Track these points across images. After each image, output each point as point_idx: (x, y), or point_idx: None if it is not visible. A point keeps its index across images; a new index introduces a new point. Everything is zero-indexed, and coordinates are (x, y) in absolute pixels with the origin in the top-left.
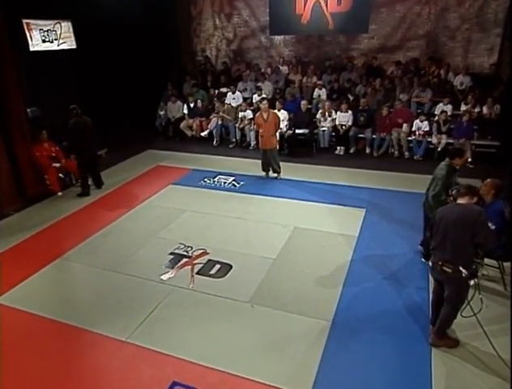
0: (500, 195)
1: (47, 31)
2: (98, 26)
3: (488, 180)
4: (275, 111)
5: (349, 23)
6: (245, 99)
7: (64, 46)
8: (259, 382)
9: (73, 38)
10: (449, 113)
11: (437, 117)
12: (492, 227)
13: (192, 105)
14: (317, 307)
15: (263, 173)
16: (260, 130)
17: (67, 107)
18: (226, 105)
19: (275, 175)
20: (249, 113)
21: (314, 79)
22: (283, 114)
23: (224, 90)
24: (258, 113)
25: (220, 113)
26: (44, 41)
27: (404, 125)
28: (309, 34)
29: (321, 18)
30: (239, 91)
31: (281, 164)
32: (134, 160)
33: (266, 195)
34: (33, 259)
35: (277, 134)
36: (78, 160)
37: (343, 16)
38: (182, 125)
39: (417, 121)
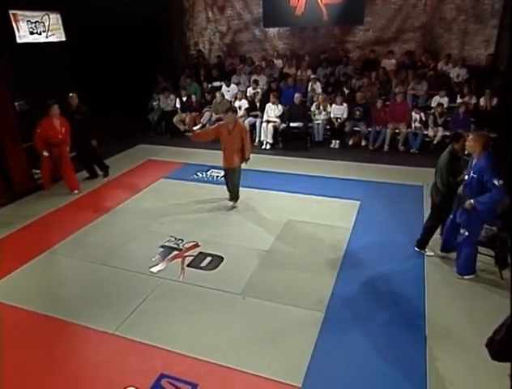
0: (487, 149)
1: (35, 22)
2: (88, 18)
3: (471, 136)
4: (242, 124)
5: (344, 14)
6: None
7: (53, 38)
8: (250, 374)
9: (62, 30)
10: (445, 106)
11: (433, 110)
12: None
13: (184, 99)
14: (311, 298)
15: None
16: (222, 144)
17: (56, 100)
18: (219, 99)
19: (231, 203)
20: (244, 103)
21: (309, 72)
22: (277, 108)
23: (217, 84)
24: (222, 122)
25: (211, 111)
26: (31, 33)
27: (402, 123)
28: (304, 26)
29: (315, 9)
30: (233, 83)
31: (276, 158)
32: (125, 155)
33: (259, 188)
34: (19, 253)
35: (246, 151)
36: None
37: (337, 8)
38: (175, 119)
39: (412, 113)
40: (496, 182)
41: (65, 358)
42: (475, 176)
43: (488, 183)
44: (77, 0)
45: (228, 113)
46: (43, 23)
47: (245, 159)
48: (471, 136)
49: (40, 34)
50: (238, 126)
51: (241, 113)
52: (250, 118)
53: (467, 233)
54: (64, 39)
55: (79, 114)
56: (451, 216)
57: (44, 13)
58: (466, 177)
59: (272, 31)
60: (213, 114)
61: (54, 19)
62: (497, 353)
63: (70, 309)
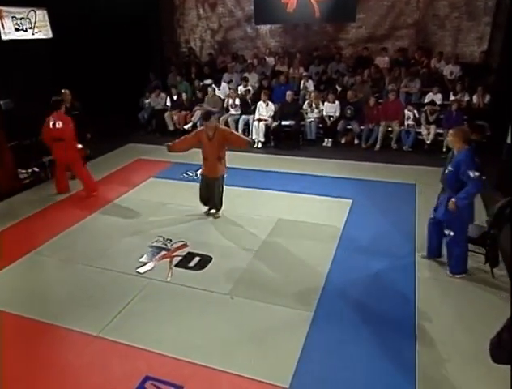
0: (468, 144)
1: (20, 19)
2: (77, 15)
3: (451, 131)
4: (224, 128)
5: (336, 11)
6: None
7: (39, 35)
8: (236, 375)
9: (49, 27)
10: (438, 103)
11: (425, 108)
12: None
13: (175, 98)
14: (300, 298)
15: (205, 208)
16: (203, 152)
17: (43, 99)
18: (209, 96)
19: (213, 211)
20: (236, 100)
21: (301, 70)
22: (269, 106)
23: (208, 82)
24: (202, 127)
25: (205, 105)
26: (17, 30)
27: (395, 121)
28: (295, 23)
29: (306, 6)
30: (224, 82)
31: (267, 156)
32: (114, 154)
33: (250, 187)
34: (3, 254)
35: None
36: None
37: (329, 4)
38: (167, 114)
39: (405, 110)
40: (471, 174)
41: (47, 362)
42: (451, 169)
43: (464, 176)
44: None
45: (210, 119)
46: (29, 19)
47: (248, 142)
48: (450, 131)
49: (26, 31)
50: (219, 132)
51: (232, 111)
52: (244, 116)
53: (452, 233)
54: (51, 36)
55: (76, 110)
56: (431, 216)
57: (30, 9)
58: (446, 171)
59: (264, 28)
60: None
61: (41, 16)
62: (498, 356)
63: (54, 312)
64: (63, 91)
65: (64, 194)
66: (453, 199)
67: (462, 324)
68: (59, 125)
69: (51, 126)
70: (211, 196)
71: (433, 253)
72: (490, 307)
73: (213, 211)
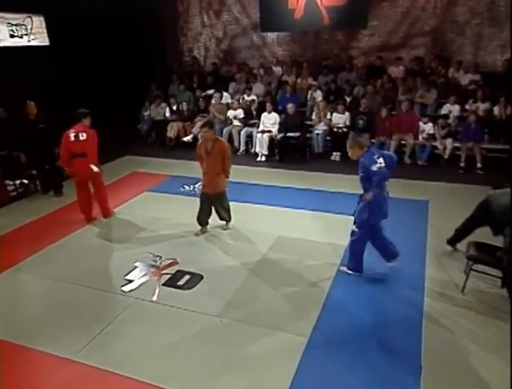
0: (362, 148)
1: (16, 25)
2: (75, 22)
3: (348, 145)
4: (224, 142)
5: (346, 18)
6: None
7: (35, 42)
8: None
9: (45, 34)
10: (456, 115)
11: (440, 120)
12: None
13: (175, 108)
14: (295, 321)
15: (198, 227)
16: (203, 166)
17: (38, 109)
18: (215, 102)
19: (223, 223)
20: (240, 113)
21: (309, 80)
22: (274, 117)
23: (210, 92)
24: (200, 141)
25: (213, 109)
26: (12, 36)
27: (409, 134)
28: (303, 30)
29: (315, 12)
30: (230, 93)
31: (271, 170)
32: (111, 166)
33: (250, 202)
34: None
35: (228, 170)
36: None
37: (339, 11)
38: (169, 127)
39: (420, 123)
40: (375, 168)
41: (15, 387)
42: (362, 174)
43: (370, 173)
44: (63, 2)
45: (204, 128)
46: (25, 25)
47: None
48: (347, 145)
49: (22, 37)
50: (218, 145)
51: (236, 123)
52: (247, 128)
53: (356, 229)
54: (48, 43)
55: (43, 123)
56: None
57: (26, 15)
58: (359, 177)
59: (271, 36)
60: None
61: (37, 22)
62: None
63: (26, 332)
64: (27, 102)
65: (92, 222)
66: (370, 192)
67: (473, 355)
68: (83, 136)
69: (72, 138)
70: (217, 211)
71: (388, 257)
72: (506, 338)
73: (223, 222)
